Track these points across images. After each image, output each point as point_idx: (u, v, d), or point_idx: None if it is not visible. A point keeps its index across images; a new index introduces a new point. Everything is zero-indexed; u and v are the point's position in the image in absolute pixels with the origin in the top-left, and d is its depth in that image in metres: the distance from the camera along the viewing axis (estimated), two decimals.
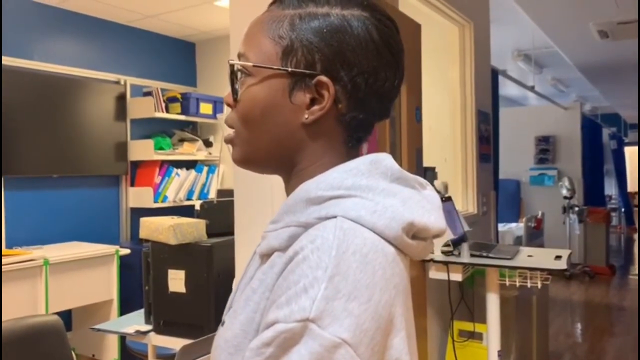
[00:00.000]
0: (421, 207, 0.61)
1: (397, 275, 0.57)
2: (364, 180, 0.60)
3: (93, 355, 3.69)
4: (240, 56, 0.66)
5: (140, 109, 4.22)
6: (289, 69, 0.62)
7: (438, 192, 3.19)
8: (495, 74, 4.11)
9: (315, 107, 0.62)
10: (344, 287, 0.51)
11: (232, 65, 0.65)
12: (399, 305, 0.56)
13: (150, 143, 4.17)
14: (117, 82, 4.23)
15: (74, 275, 3.40)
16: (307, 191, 0.61)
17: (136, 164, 4.33)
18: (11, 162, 3.55)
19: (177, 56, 4.75)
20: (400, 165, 0.65)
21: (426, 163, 2.67)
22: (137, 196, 4.24)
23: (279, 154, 0.65)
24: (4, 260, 3.03)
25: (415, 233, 0.60)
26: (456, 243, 2.40)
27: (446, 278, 2.36)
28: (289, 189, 0.67)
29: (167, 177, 4.31)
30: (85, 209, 4.04)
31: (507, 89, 7.62)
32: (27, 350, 1.91)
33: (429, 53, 2.80)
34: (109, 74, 4.18)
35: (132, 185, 4.31)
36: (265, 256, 0.63)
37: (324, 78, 0.61)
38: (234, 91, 0.65)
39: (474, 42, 3.33)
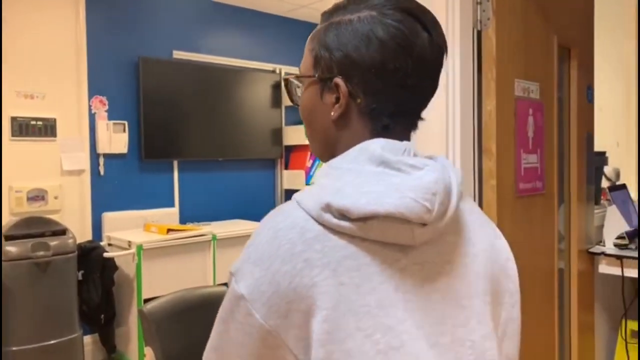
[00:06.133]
0: (359, 189, 0.62)
1: (317, 252, 0.61)
2: (344, 165, 0.67)
3: None
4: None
5: None
6: (316, 76, 0.73)
7: (608, 179, 2.92)
8: None
9: (337, 105, 0.72)
10: (254, 254, 0.64)
11: (285, 79, 0.82)
12: (312, 277, 0.60)
13: (301, 129, 4.36)
14: (273, 72, 4.47)
15: (237, 251, 3.69)
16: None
17: (289, 149, 4.57)
18: (184, 147, 3.95)
19: None
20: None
21: (596, 147, 2.45)
22: (291, 178, 4.48)
23: (326, 147, 0.76)
24: (180, 235, 3.41)
25: (345, 214, 0.61)
26: (632, 236, 2.18)
27: (619, 273, 2.16)
28: None
29: (317, 161, 4.48)
30: (245, 189, 4.37)
31: None
32: (200, 317, 2.13)
33: (600, 25, 2.56)
34: (265, 64, 4.43)
35: (286, 168, 4.56)
36: None
37: (337, 80, 0.71)
38: (292, 99, 0.82)
39: None
